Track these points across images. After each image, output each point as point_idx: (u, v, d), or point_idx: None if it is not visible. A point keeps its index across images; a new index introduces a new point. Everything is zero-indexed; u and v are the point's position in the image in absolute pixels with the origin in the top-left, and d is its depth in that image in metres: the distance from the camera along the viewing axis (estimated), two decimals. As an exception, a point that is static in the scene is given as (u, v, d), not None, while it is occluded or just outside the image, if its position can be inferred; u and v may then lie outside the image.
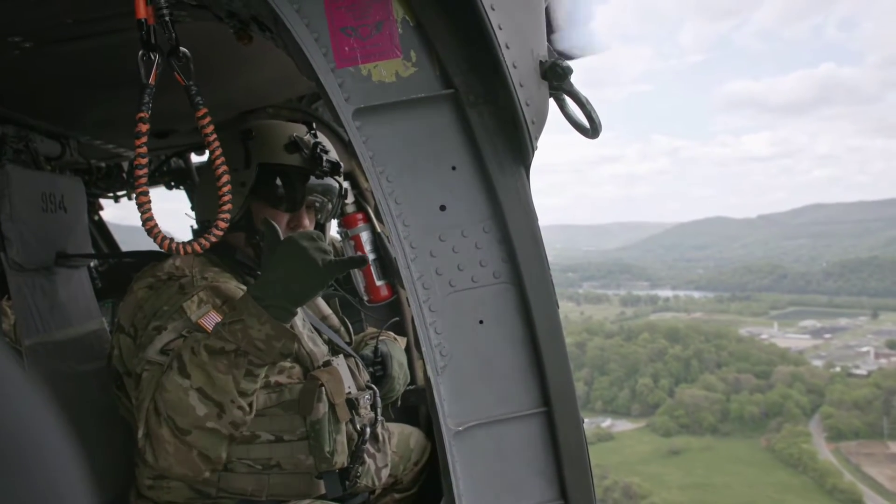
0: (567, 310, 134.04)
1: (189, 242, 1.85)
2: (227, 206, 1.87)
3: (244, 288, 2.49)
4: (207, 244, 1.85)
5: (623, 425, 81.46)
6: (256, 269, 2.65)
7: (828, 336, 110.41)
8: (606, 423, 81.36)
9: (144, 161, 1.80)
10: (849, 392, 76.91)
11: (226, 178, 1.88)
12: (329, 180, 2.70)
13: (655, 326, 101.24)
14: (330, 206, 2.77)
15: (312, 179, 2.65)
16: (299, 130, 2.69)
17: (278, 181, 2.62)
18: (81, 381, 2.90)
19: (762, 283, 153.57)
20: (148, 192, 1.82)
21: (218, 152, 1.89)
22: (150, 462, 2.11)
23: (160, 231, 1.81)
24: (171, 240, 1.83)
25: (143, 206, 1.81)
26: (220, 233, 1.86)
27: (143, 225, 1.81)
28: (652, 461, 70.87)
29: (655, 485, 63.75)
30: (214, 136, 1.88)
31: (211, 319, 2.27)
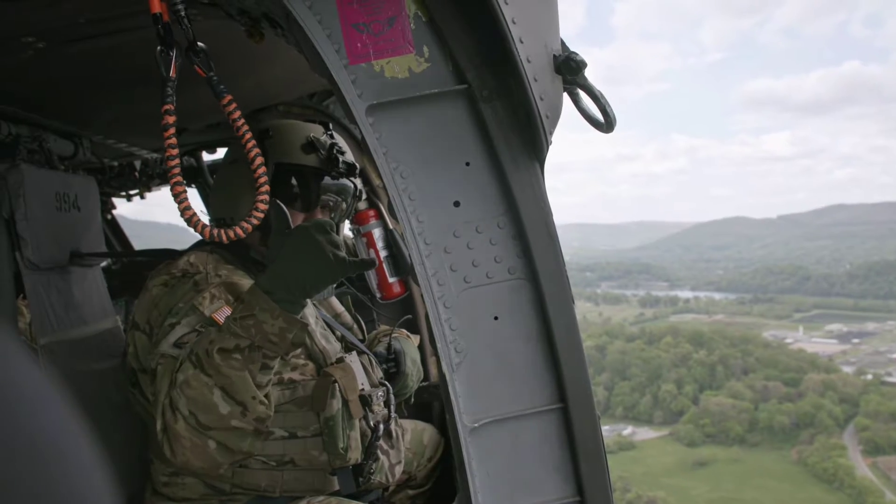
0: (585, 310, 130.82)
1: (231, 228, 1.86)
2: (265, 188, 1.88)
3: None
4: (249, 228, 1.86)
5: (645, 433, 77.61)
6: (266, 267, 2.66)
7: (856, 341, 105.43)
8: (627, 430, 77.57)
9: (175, 152, 1.81)
10: (885, 403, 72.00)
11: (259, 160, 1.89)
12: (344, 180, 2.71)
13: (678, 330, 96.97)
14: (344, 205, 2.78)
15: (327, 179, 2.67)
16: (316, 131, 2.71)
17: (294, 181, 2.63)
18: (97, 379, 2.94)
19: (784, 285, 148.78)
20: (183, 183, 1.83)
21: (248, 135, 1.90)
22: (168, 457, 2.12)
23: (199, 220, 1.83)
24: (212, 227, 1.85)
25: (180, 197, 1.82)
26: (261, 215, 1.87)
27: (182, 215, 1.83)
28: (677, 473, 67.11)
29: (682, 500, 60.79)
30: (242, 120, 1.90)
31: (224, 314, 2.29)
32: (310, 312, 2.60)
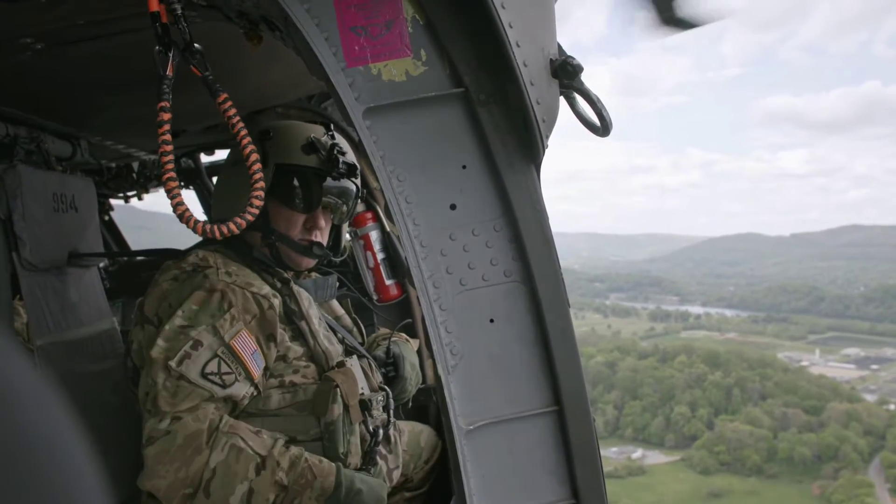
0: (594, 322, 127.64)
1: (225, 223, 1.85)
2: (260, 185, 1.90)
3: (269, 292, 2.52)
4: (243, 223, 1.86)
5: (655, 457, 73.90)
6: (273, 267, 2.66)
7: (875, 367, 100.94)
8: (637, 453, 73.76)
9: (170, 148, 1.83)
10: (916, 438, 67.92)
11: (255, 156, 1.90)
12: (345, 182, 2.71)
13: (693, 349, 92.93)
14: (345, 207, 2.78)
15: (329, 181, 2.67)
16: (317, 132, 2.71)
17: (295, 182, 2.63)
18: (93, 380, 2.93)
19: (798, 305, 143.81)
20: (176, 178, 1.83)
21: (243, 132, 1.90)
22: (144, 465, 2.21)
23: (192, 215, 1.82)
24: (205, 222, 1.84)
25: (173, 192, 1.82)
26: (256, 210, 1.87)
27: (175, 210, 1.82)
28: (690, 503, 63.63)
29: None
30: (238, 118, 1.91)
31: (242, 340, 2.34)
32: (314, 313, 2.61)
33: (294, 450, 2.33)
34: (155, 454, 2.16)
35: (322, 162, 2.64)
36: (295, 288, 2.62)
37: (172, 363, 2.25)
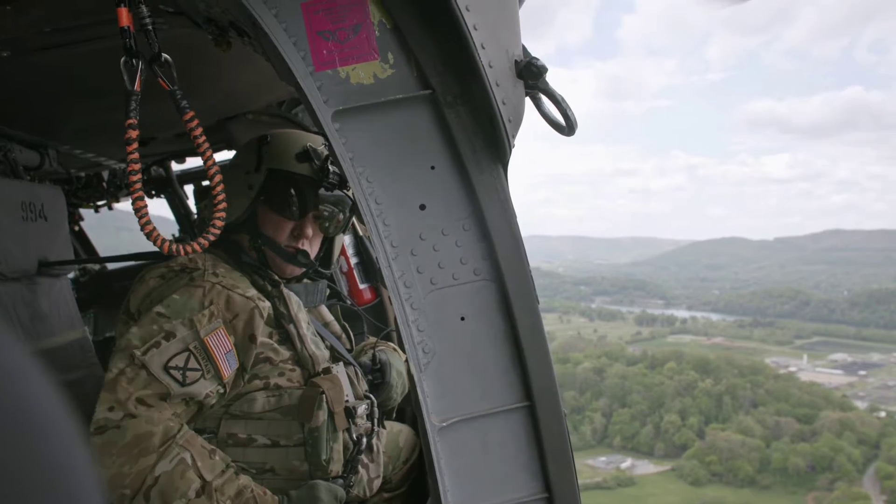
0: (579, 325, 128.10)
1: (188, 243, 1.94)
2: (222, 206, 1.98)
3: (255, 294, 2.54)
4: (206, 243, 1.95)
5: (645, 467, 72.63)
6: (263, 269, 2.70)
7: (862, 373, 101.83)
8: (626, 463, 72.18)
9: (137, 167, 1.89)
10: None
11: (218, 178, 1.99)
12: (341, 192, 2.76)
13: (682, 355, 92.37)
14: (341, 216, 2.82)
15: (325, 191, 2.72)
16: (314, 141, 2.77)
17: (286, 188, 2.69)
18: (64, 391, 2.93)
19: (783, 310, 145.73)
20: (143, 198, 1.92)
21: (209, 153, 1.98)
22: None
23: (159, 234, 1.92)
24: (171, 242, 1.93)
25: (140, 212, 1.91)
26: (217, 231, 1.96)
27: (142, 230, 1.92)
28: (683, 517, 63.30)
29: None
30: (203, 137, 1.97)
31: (217, 338, 2.37)
32: (302, 317, 2.65)
33: (243, 479, 2.34)
34: (102, 444, 2.17)
35: (314, 171, 2.70)
36: (285, 291, 2.67)
37: (138, 352, 2.28)
